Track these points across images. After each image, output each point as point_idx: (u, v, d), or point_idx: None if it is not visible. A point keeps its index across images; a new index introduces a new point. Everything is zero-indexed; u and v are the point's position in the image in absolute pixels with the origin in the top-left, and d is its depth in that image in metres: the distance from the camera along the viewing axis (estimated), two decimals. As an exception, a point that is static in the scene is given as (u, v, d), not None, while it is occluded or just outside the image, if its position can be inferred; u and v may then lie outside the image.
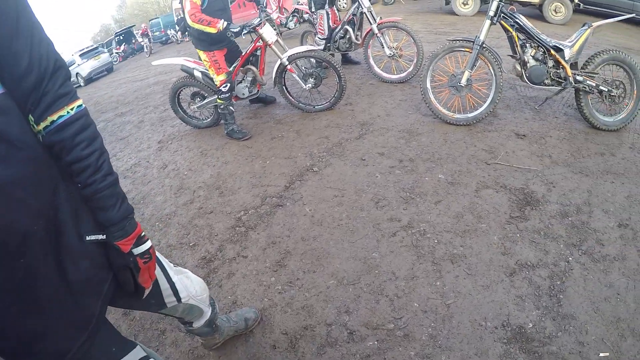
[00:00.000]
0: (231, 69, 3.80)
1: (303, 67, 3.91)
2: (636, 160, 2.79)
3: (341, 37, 4.97)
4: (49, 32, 0.81)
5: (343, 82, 3.84)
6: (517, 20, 3.02)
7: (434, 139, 3.28)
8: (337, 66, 3.74)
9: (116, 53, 20.40)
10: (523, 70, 3.16)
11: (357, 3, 4.56)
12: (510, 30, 3.06)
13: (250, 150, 3.68)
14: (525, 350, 1.60)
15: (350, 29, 4.82)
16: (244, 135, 3.89)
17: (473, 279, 1.97)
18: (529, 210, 2.42)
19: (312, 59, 3.87)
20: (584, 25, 3.08)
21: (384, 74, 4.74)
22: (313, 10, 4.97)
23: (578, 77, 3.04)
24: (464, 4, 9.56)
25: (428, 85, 3.43)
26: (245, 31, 3.49)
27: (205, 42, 3.57)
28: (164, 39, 22.44)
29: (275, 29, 3.77)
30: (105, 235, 0.88)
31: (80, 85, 15.42)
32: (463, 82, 3.23)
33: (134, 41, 22.68)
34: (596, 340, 1.60)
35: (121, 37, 22.47)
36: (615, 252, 2.03)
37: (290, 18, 8.11)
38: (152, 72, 10.27)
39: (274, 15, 6.97)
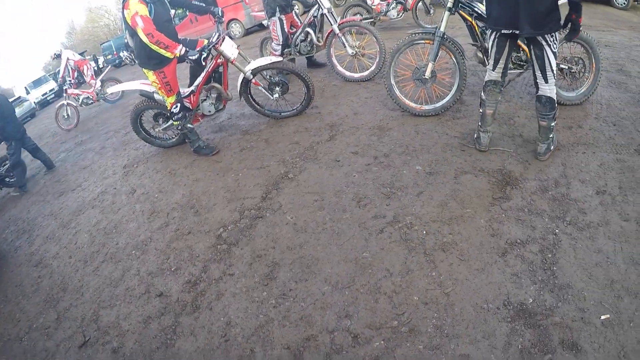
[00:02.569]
0: (192, 87, 3.78)
1: (268, 76, 3.93)
2: (603, 129, 2.99)
3: (302, 40, 5.07)
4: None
5: (311, 91, 3.90)
6: (475, 8, 3.13)
7: (405, 132, 3.37)
8: (303, 75, 3.80)
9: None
10: (485, 57, 3.27)
11: (317, 5, 4.68)
12: (469, 19, 3.17)
13: (220, 164, 3.65)
14: (530, 325, 1.68)
15: (311, 31, 4.92)
16: (211, 151, 3.87)
17: (467, 264, 2.05)
18: (509, 189, 2.53)
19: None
20: None
21: (348, 73, 4.85)
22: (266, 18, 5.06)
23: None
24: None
25: (392, 80, 3.53)
26: (205, 54, 3.45)
27: (155, 60, 3.48)
28: (117, 62, 22.62)
29: (235, 44, 3.75)
30: None
31: (35, 111, 16.06)
32: (427, 74, 3.32)
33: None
34: (595, 304, 1.71)
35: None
36: (597, 218, 2.17)
37: (394, 5, 6.94)
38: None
39: (376, 1, 6.83)
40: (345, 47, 4.65)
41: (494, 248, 2.12)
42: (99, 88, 8.05)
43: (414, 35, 3.31)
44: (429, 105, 3.56)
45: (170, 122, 3.99)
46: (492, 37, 2.67)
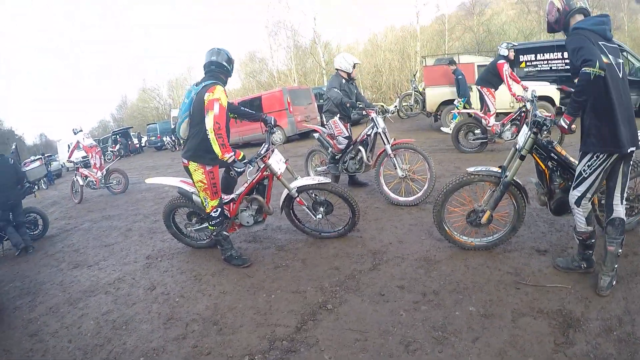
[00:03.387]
0: (234, 195, 4.09)
1: (313, 195, 4.19)
2: None
3: (352, 158, 5.59)
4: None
5: (356, 216, 4.21)
6: (552, 152, 3.26)
7: (454, 267, 3.57)
8: (350, 199, 4.12)
9: (111, 151, 23.54)
10: (548, 202, 3.41)
11: (372, 123, 5.30)
12: (541, 164, 3.32)
13: (251, 280, 3.78)
14: None
15: (362, 149, 5.45)
16: (244, 262, 4.02)
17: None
18: (572, 332, 2.61)
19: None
20: None
21: (393, 196, 5.24)
22: (325, 122, 5.75)
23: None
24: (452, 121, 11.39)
25: (443, 215, 3.74)
26: (251, 167, 3.80)
27: (212, 155, 3.63)
28: (158, 144, 26.03)
29: (283, 158, 4.03)
30: None
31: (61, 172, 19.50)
32: (484, 220, 3.52)
33: (129, 142, 26.30)
34: None
35: (118, 137, 26.08)
36: None
37: (508, 126, 7.21)
38: (144, 177, 11.09)
39: (491, 122, 7.21)
40: (396, 168, 5.11)
41: (560, 402, 2.16)
42: (101, 177, 8.98)
43: (473, 175, 3.51)
44: (479, 240, 3.76)
45: (206, 224, 4.16)
46: (606, 162, 2.80)
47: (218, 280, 3.85)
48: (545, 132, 3.19)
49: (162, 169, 14.09)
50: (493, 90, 7.50)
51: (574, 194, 3.02)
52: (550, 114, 3.20)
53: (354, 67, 5.63)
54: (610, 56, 2.76)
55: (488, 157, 7.31)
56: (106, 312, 3.59)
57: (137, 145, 28.03)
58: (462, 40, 33.99)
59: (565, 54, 10.39)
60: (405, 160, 5.31)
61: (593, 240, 3.12)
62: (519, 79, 7.44)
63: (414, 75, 22.55)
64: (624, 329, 2.54)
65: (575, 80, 2.75)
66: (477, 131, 7.54)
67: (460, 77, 10.30)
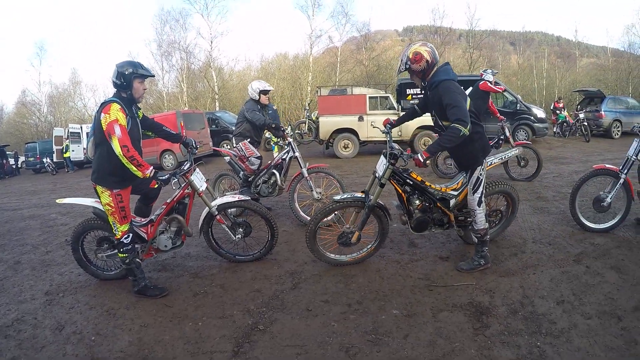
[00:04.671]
0: (153, 216, 3.92)
1: (232, 216, 4.29)
2: (542, 250, 3.93)
3: (265, 181, 5.76)
4: None
5: (275, 238, 4.33)
6: (407, 179, 3.83)
7: (370, 278, 3.92)
8: (271, 220, 4.25)
9: None
10: (408, 221, 3.97)
11: (288, 148, 5.62)
12: (399, 189, 3.89)
13: (172, 309, 3.60)
14: None
15: (277, 173, 5.68)
16: (161, 292, 3.83)
17: (475, 391, 2.45)
18: (485, 318, 3.13)
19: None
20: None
21: (309, 218, 5.38)
22: (234, 145, 5.89)
23: (460, 218, 4.08)
24: (345, 148, 12.90)
25: (316, 241, 4.11)
26: (175, 179, 3.73)
27: (116, 178, 3.60)
28: (37, 166, 23.03)
29: (204, 177, 4.09)
30: None
31: None
32: (354, 240, 4.00)
33: (4, 162, 23.47)
34: None
35: None
36: (566, 324, 2.89)
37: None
38: (25, 203, 10.37)
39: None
40: (312, 190, 5.43)
41: (493, 373, 2.56)
42: None
43: (339, 203, 3.95)
44: (347, 255, 4.23)
45: (116, 251, 3.89)
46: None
47: (135, 313, 3.60)
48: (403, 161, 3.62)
49: (44, 194, 12.45)
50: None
51: (475, 197, 3.73)
52: (407, 149, 3.84)
53: (262, 93, 5.95)
54: None
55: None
56: (12, 358, 3.12)
57: (14, 166, 24.68)
58: (352, 72, 36.85)
59: None
60: (321, 185, 5.70)
61: (488, 237, 3.85)
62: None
63: (308, 104, 23.93)
64: (527, 309, 3.15)
65: (441, 122, 3.58)
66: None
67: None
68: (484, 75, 7.88)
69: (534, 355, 2.63)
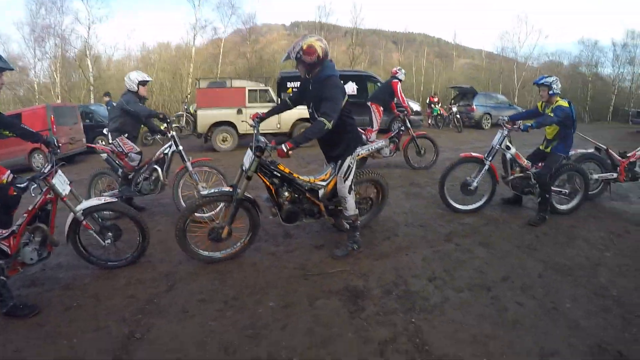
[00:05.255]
0: (14, 227, 3.43)
1: (99, 219, 3.91)
2: (415, 232, 4.17)
3: (146, 178, 5.36)
4: None
5: (147, 240, 4.01)
6: (274, 171, 3.86)
7: (246, 273, 3.79)
8: (140, 221, 3.94)
9: None
10: (279, 213, 3.99)
11: (170, 142, 5.29)
12: (267, 182, 3.89)
13: (45, 328, 3.19)
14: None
15: (159, 169, 5.32)
16: (32, 310, 3.38)
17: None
18: (360, 301, 3.18)
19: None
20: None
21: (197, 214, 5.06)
22: (110, 140, 5.41)
23: (330, 207, 4.16)
24: (224, 141, 12.67)
25: (187, 239, 3.93)
26: (34, 185, 3.34)
27: None
28: None
29: (67, 180, 3.69)
30: None
31: None
32: (224, 235, 3.87)
33: None
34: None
35: None
36: (439, 298, 3.06)
37: (387, 143, 8.08)
38: None
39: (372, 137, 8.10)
40: (197, 184, 5.21)
41: (371, 352, 2.59)
42: None
43: (208, 197, 3.88)
44: (220, 252, 4.08)
45: None
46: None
47: (6, 338, 3.11)
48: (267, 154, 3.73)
49: None
50: (382, 109, 8.50)
51: (346, 185, 3.83)
52: (272, 141, 3.86)
53: (140, 85, 5.55)
54: None
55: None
56: None
57: None
58: (235, 65, 35.83)
59: None
60: (203, 178, 5.46)
61: (359, 222, 4.00)
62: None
63: (187, 97, 22.74)
64: (400, 289, 3.27)
65: (317, 115, 3.60)
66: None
67: None
68: (397, 74, 8.47)
69: (410, 331, 2.71)
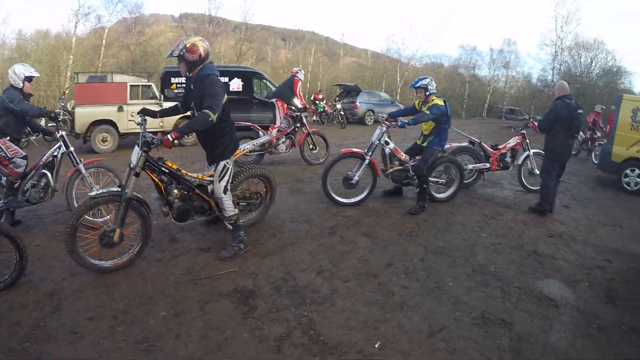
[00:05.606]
0: None
1: None
2: (299, 228, 4.49)
3: (34, 185, 4.81)
4: None
5: (24, 258, 3.59)
6: (162, 167, 3.86)
7: (133, 283, 3.64)
8: (16, 238, 3.52)
9: None
10: (170, 212, 3.96)
11: (59, 143, 4.82)
12: (155, 179, 3.86)
13: None
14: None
15: (48, 173, 4.83)
16: None
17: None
18: (252, 301, 3.30)
19: None
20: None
21: (92, 218, 4.62)
22: None
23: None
24: (103, 141, 11.61)
25: (77, 246, 3.68)
26: None
27: None
28: None
29: None
30: None
31: None
32: (116, 238, 3.71)
33: None
34: (365, 342, 2.65)
35: None
36: (328, 290, 3.34)
37: (283, 139, 8.57)
38: None
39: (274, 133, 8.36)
40: (91, 187, 4.83)
41: (268, 350, 2.74)
42: None
43: (96, 199, 3.69)
44: (108, 261, 3.87)
45: None
46: None
47: None
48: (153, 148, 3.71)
49: None
50: (286, 105, 8.82)
51: (221, 185, 3.94)
52: (158, 134, 3.87)
53: (26, 80, 4.91)
54: None
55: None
56: None
57: None
58: (117, 57, 32.39)
59: None
60: (100, 181, 5.15)
61: (240, 221, 4.12)
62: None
63: (64, 93, 20.22)
64: (289, 284, 3.46)
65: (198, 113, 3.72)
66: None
67: None
68: (298, 74, 9.04)
69: (303, 324, 2.91)
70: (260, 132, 8.27)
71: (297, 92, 9.00)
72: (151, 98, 12.05)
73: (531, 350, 2.90)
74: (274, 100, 8.96)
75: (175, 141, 3.51)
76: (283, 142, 8.65)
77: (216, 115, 3.56)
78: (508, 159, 7.21)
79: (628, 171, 9.10)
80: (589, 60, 38.61)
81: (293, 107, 8.91)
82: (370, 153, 5.62)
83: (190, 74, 3.88)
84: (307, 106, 9.62)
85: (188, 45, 3.70)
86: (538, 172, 7.10)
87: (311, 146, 8.97)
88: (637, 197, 8.65)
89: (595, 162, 11.64)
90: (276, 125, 8.74)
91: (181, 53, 3.72)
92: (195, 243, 4.36)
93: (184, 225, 4.18)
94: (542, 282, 3.90)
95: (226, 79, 14.16)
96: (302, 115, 8.83)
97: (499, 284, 3.73)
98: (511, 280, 3.83)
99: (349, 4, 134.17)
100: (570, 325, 3.26)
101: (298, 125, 8.74)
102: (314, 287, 3.41)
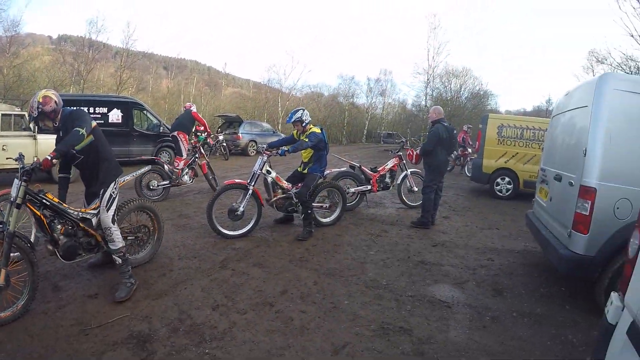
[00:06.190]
0: None
1: None
2: (190, 265, 4.60)
3: None
4: None
5: None
6: (43, 199, 3.74)
7: (19, 341, 3.29)
8: None
9: None
10: (56, 250, 3.84)
11: None
12: (38, 213, 3.71)
13: None
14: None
15: None
16: None
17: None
18: (149, 345, 3.24)
19: None
20: None
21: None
22: None
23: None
24: None
25: None
26: None
27: None
28: None
29: None
30: None
31: None
32: (1, 281, 3.39)
33: None
34: None
35: None
36: (226, 324, 3.46)
37: (186, 170, 8.97)
38: None
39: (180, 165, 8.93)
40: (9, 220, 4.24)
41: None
42: None
43: None
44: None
45: None
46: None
47: None
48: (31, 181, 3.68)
49: None
50: (187, 136, 9.51)
51: (109, 214, 4.00)
52: (37, 157, 3.84)
53: None
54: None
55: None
56: None
57: None
58: None
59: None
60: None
61: (128, 255, 4.18)
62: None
63: None
64: (186, 323, 3.49)
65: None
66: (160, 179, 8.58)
67: None
68: (191, 107, 10.00)
69: (203, 363, 2.97)
70: (166, 166, 8.64)
71: (202, 120, 9.92)
72: (24, 129, 11.03)
73: (434, 350, 3.27)
74: (175, 133, 9.42)
75: (54, 160, 3.55)
76: (186, 173, 8.90)
77: (85, 130, 3.71)
78: (387, 180, 7.99)
79: (499, 180, 10.84)
80: (458, 86, 44.51)
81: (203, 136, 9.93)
82: (253, 183, 5.87)
83: (57, 123, 3.92)
84: (210, 132, 10.47)
85: (40, 100, 3.75)
86: (417, 189, 7.93)
87: (212, 175, 9.55)
88: (509, 201, 10.04)
89: (469, 175, 13.26)
90: (182, 158, 9.12)
91: (39, 109, 3.75)
92: (82, 290, 4.14)
93: (72, 263, 4.09)
94: (432, 287, 4.41)
95: (104, 110, 13.72)
96: (200, 146, 9.50)
97: (393, 295, 4.13)
98: (403, 290, 4.25)
99: (231, 34, 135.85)
100: (466, 321, 3.75)
101: (197, 156, 9.24)
102: (211, 323, 3.47)
